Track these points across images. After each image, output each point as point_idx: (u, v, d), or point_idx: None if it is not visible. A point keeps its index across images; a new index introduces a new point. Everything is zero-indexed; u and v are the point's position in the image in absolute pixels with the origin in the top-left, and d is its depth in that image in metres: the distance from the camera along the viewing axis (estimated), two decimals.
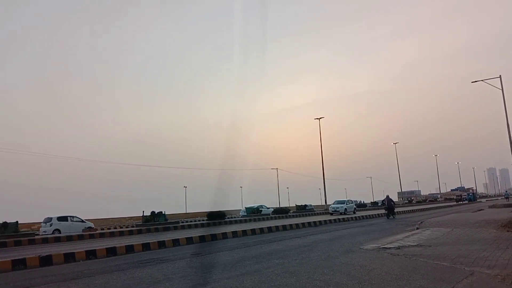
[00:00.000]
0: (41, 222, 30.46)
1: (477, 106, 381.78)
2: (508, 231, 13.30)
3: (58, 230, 28.07)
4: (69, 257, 11.90)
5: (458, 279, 6.49)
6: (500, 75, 28.72)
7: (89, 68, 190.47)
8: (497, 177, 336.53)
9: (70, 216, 30.32)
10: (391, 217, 29.84)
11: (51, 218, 28.98)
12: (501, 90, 28.53)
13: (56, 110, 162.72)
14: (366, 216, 33.07)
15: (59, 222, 29.03)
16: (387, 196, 31.63)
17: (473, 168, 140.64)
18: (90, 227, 30.24)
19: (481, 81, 29.77)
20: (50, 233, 27.46)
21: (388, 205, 30.51)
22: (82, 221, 30.89)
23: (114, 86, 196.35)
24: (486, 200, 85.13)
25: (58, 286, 7.67)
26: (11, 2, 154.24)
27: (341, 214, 40.14)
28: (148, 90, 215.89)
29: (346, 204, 43.84)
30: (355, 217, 31.64)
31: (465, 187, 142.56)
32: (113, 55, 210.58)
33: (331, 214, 41.56)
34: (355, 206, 47.70)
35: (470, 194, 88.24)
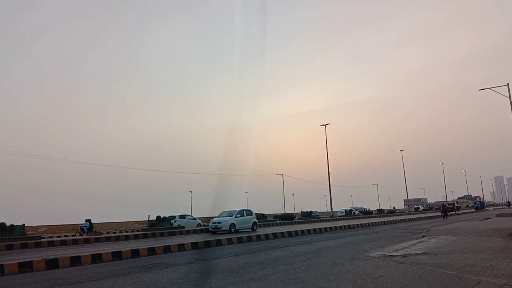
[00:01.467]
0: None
1: (485, 114, 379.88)
2: None
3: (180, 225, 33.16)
4: (75, 261, 11.96)
5: None
6: (507, 83, 28.59)
7: (95, 72, 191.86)
8: (504, 185, 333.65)
9: (187, 215, 38.03)
10: (445, 217, 41.73)
11: (174, 216, 34.90)
12: (508, 98, 28.38)
13: (62, 114, 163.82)
14: (372, 223, 32.91)
15: (180, 219, 35.34)
16: (443, 203, 57.28)
17: (480, 176, 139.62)
18: (199, 224, 36.45)
19: (489, 89, 29.68)
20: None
21: (443, 209, 45.48)
22: (194, 218, 38.08)
23: (120, 90, 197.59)
24: (494, 209, 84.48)
25: None
26: (18, 5, 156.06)
27: (225, 232, 25.72)
28: (154, 95, 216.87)
29: (236, 216, 27.53)
30: (361, 224, 31.50)
31: (472, 195, 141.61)
32: (119, 61, 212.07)
33: (212, 233, 26.46)
34: (255, 220, 29.41)
35: (477, 202, 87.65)
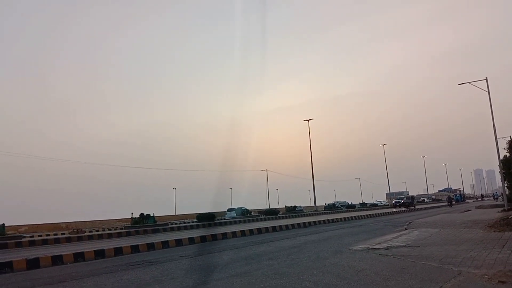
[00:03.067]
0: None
1: (464, 108, 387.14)
2: (494, 231, 13.47)
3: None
4: (57, 260, 11.77)
5: (446, 279, 6.56)
6: (486, 77, 29.08)
7: (76, 68, 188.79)
8: (483, 178, 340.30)
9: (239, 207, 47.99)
10: (451, 206, 49.93)
11: (234, 208, 46.34)
12: (487, 92, 28.90)
13: (42, 111, 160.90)
14: (355, 217, 33.23)
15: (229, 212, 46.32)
16: (448, 196, 65.42)
17: (460, 169, 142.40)
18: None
19: (468, 83, 30.14)
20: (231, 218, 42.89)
21: (449, 200, 56.45)
22: (247, 209, 48.65)
23: (102, 86, 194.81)
24: (473, 201, 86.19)
25: None
26: None
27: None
28: (136, 90, 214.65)
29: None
30: (344, 217, 31.77)
31: (452, 188, 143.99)
32: (101, 55, 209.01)
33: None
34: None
35: (458, 195, 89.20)
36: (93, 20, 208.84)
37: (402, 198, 68.32)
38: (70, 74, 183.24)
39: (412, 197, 70.83)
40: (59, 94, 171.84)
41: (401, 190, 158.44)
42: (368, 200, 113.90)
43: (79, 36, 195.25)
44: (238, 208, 47.74)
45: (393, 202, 66.54)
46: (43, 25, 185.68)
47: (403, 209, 51.46)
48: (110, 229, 34.97)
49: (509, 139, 14.99)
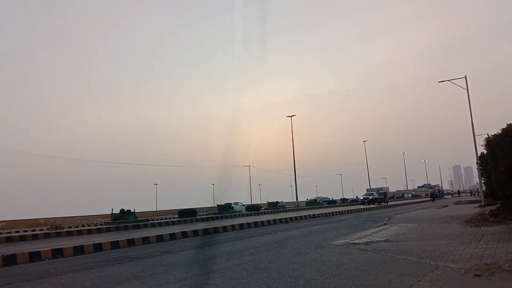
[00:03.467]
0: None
1: (444, 105, 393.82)
2: (471, 226, 13.77)
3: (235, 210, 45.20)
4: (35, 256, 11.56)
5: (424, 273, 6.67)
6: (465, 76, 29.58)
7: (59, 61, 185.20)
8: (461, 174, 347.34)
9: (238, 202, 51.51)
10: (433, 201, 54.54)
11: (231, 203, 46.53)
12: (466, 90, 29.42)
13: (20, 104, 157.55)
14: (336, 212, 33.54)
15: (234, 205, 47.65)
16: (431, 192, 67.72)
17: (439, 165, 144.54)
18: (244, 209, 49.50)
19: (448, 81, 30.62)
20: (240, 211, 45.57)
21: (432, 195, 59.82)
22: (243, 205, 52.12)
23: (82, 82, 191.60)
24: (451, 197, 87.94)
25: (22, 286, 7.44)
26: None
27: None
28: (118, 86, 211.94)
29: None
30: (326, 213, 32.03)
31: (431, 184, 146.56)
32: (83, 48, 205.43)
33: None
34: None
35: (436, 190, 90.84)
36: (78, 13, 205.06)
37: (371, 194, 58.38)
38: (53, 66, 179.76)
39: (385, 193, 61.90)
40: (38, 87, 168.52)
41: (381, 186, 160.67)
42: (349, 195, 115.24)
43: (63, 30, 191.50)
44: (234, 203, 50.63)
45: (361, 198, 59.63)
46: (24, 15, 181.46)
47: (372, 206, 46.31)
48: (89, 225, 34.53)
49: (487, 136, 15.32)
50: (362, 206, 46.13)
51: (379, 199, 53.89)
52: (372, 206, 46.43)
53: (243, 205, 52.18)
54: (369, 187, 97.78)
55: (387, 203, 52.20)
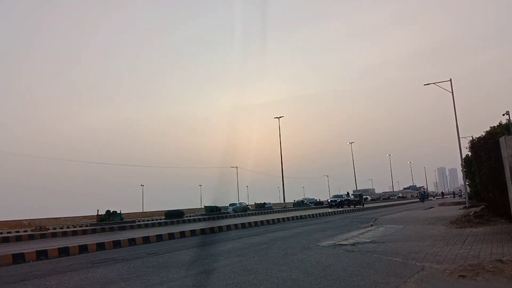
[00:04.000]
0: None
1: (429, 108, 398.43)
2: (456, 227, 13.94)
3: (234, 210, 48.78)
4: (18, 258, 11.37)
5: (410, 274, 6.73)
6: (450, 79, 30.02)
7: (44, 61, 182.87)
8: (446, 176, 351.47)
9: (239, 202, 56.29)
10: (423, 201, 59.40)
11: (235, 203, 52.55)
12: (451, 93, 29.83)
13: (4, 103, 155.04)
14: (323, 213, 33.69)
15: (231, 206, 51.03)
16: (420, 192, 79.61)
17: (425, 167, 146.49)
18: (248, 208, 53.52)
19: (433, 84, 31.01)
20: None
21: (421, 197, 66.66)
22: (247, 204, 56.64)
23: (68, 78, 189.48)
24: (436, 198, 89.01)
25: None
26: None
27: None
28: (102, 84, 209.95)
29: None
30: (313, 214, 32.16)
31: (417, 186, 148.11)
32: (69, 45, 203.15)
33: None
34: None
35: (422, 192, 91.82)
36: (65, 10, 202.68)
37: (339, 196, 51.93)
38: (37, 65, 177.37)
39: (360, 194, 55.45)
40: (24, 86, 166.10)
41: (367, 188, 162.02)
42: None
43: (50, 27, 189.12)
44: (239, 203, 54.06)
45: (329, 201, 53.05)
46: (10, 13, 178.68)
47: (341, 209, 41.59)
48: (75, 226, 34.13)
49: (471, 139, 15.59)
50: (350, 208, 46.15)
51: (354, 201, 50.69)
52: (345, 208, 43.41)
53: (245, 204, 54.75)
54: (355, 188, 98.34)
55: (363, 206, 50.21)
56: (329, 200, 52.69)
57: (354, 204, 49.95)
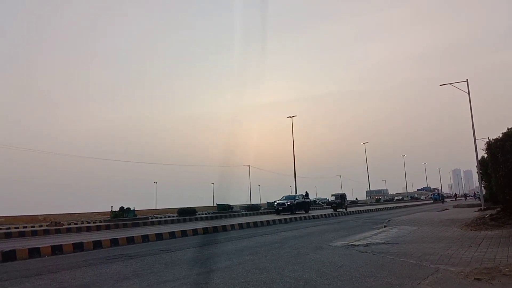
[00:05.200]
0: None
1: (445, 108, 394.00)
2: (471, 230, 13.75)
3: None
4: (34, 252, 11.55)
5: (424, 276, 6.67)
6: (467, 79, 29.54)
7: (59, 58, 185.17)
8: (461, 178, 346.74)
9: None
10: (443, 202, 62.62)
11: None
12: (467, 94, 29.40)
13: (24, 101, 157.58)
14: (335, 213, 33.52)
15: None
16: (438, 192, 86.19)
17: (439, 168, 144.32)
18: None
19: (449, 85, 30.60)
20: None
21: (442, 197, 70.67)
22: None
23: (84, 78, 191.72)
24: (451, 200, 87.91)
25: (21, 282, 7.44)
26: None
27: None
28: (119, 83, 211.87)
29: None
30: (324, 214, 32.04)
31: (431, 187, 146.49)
32: (84, 46, 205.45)
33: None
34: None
35: (436, 194, 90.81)
36: (78, 11, 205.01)
37: (292, 198, 38.30)
38: (53, 64, 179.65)
39: (342, 195, 45.62)
40: (41, 85, 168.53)
41: (380, 188, 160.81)
42: (348, 197, 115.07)
43: (63, 27, 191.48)
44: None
45: (275, 204, 39.31)
46: (26, 15, 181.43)
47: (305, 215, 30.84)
48: (89, 222, 34.52)
49: (488, 140, 15.32)
50: (362, 208, 45.82)
51: (334, 204, 42.30)
52: (372, 207, 38.63)
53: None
54: (368, 189, 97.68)
55: (346, 209, 41.53)
56: (275, 204, 39.09)
57: (334, 207, 41.41)
